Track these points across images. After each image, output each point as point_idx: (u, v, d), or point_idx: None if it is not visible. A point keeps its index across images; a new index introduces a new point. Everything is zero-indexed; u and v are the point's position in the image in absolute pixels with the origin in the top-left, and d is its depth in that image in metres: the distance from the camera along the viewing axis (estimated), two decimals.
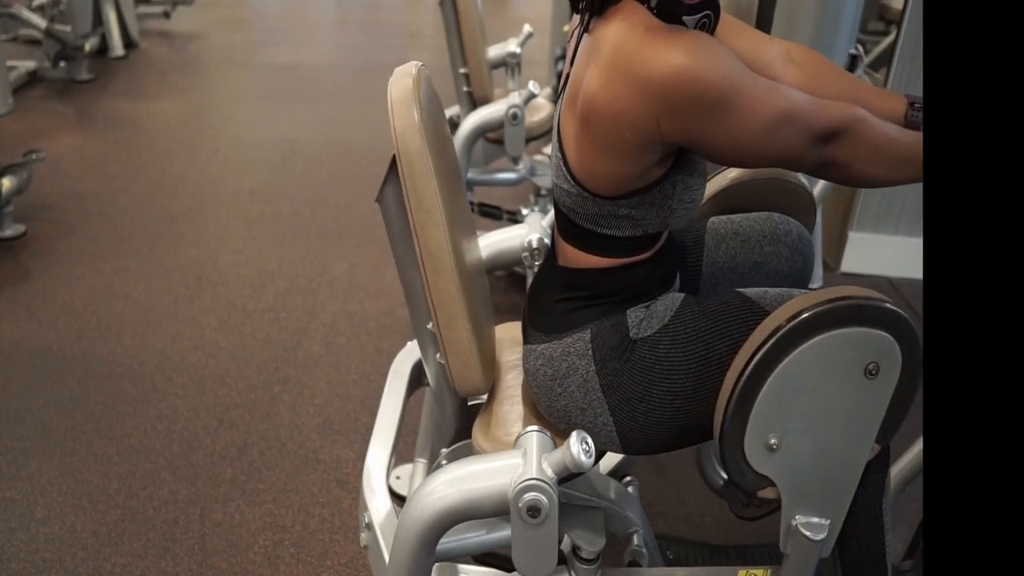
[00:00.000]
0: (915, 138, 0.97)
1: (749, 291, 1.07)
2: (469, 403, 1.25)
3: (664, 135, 0.91)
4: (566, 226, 1.06)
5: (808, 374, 0.94)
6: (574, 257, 1.07)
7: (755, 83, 0.90)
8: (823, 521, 1.02)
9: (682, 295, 1.10)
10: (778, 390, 0.94)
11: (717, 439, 0.99)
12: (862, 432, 0.98)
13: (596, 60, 0.92)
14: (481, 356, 1.07)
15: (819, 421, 0.97)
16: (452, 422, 1.24)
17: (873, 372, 0.93)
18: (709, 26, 1.01)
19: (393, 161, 0.98)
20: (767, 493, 1.03)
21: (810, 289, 1.06)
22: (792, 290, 1.07)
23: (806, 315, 0.92)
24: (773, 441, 0.97)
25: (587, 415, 1.07)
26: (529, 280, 1.45)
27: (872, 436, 0.98)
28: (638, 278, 1.06)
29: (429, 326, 1.08)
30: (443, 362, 1.07)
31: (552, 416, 1.11)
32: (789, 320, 0.92)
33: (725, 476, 1.52)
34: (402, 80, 0.97)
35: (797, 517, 1.02)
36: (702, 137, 0.92)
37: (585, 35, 0.98)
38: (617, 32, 0.91)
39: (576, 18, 1.03)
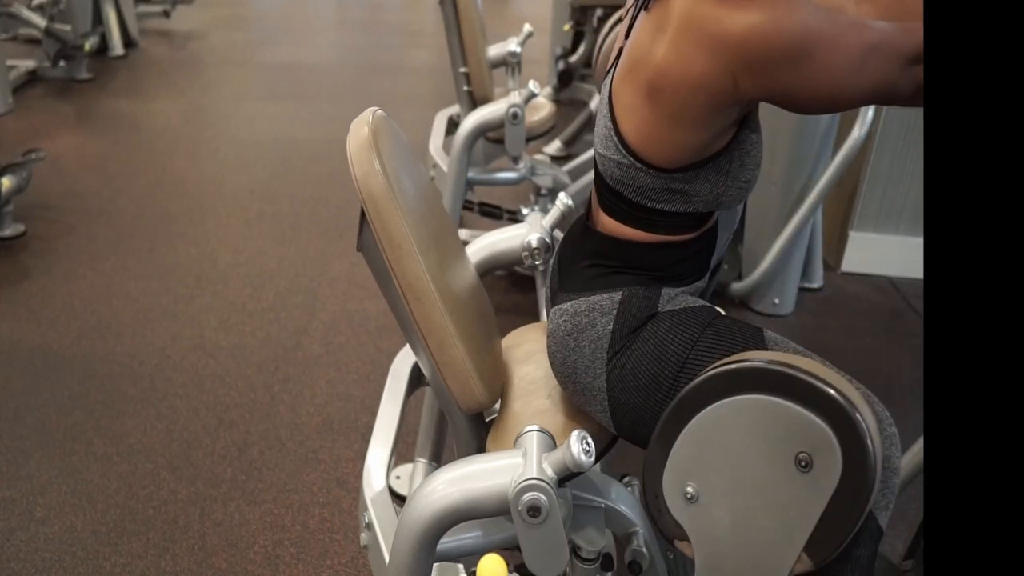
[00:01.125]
0: None
1: (769, 333, 1.03)
2: (487, 418, 1.25)
3: (742, 94, 0.90)
4: (610, 198, 1.05)
5: (733, 431, 0.86)
6: (613, 227, 1.06)
7: (834, 23, 0.86)
8: None
9: (706, 303, 1.08)
10: (701, 434, 0.88)
11: (643, 461, 0.95)
12: (788, 530, 0.86)
13: (666, 28, 0.92)
14: (480, 373, 1.07)
15: (740, 492, 0.88)
16: (470, 436, 1.24)
17: (804, 465, 0.82)
18: None
19: (363, 209, 1.00)
20: (684, 548, 0.95)
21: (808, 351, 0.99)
22: (799, 348, 1.02)
23: (740, 366, 0.84)
24: (690, 490, 0.91)
25: (588, 374, 1.06)
26: (538, 280, 1.45)
27: (800, 541, 0.85)
28: (675, 259, 1.06)
29: (426, 355, 1.08)
30: (443, 384, 1.08)
31: (561, 374, 1.10)
32: (727, 364, 0.87)
33: None
34: (359, 130, 1.00)
35: None
36: (786, 89, 0.89)
37: (650, 4, 0.96)
38: (693, 4, 0.90)
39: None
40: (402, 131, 1.10)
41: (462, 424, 1.21)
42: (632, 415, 1.06)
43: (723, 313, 1.09)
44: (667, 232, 1.04)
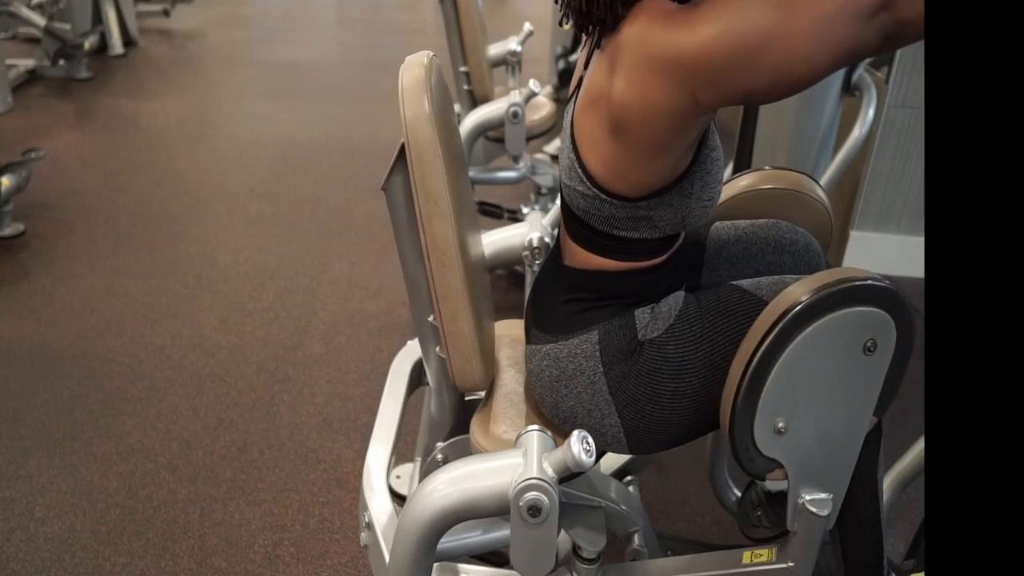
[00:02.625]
0: None
1: (744, 282, 1.08)
2: (467, 399, 1.24)
3: (703, 107, 0.89)
4: (577, 228, 1.05)
5: (811, 357, 0.97)
6: (583, 258, 1.06)
7: (781, 10, 0.84)
8: (827, 496, 1.05)
9: (683, 294, 1.09)
10: (784, 376, 0.97)
11: (727, 429, 1.00)
12: (862, 406, 1.01)
13: (620, 63, 0.91)
14: (482, 352, 1.07)
15: (823, 400, 1.00)
16: (449, 417, 1.24)
17: (871, 348, 0.97)
18: None
19: (402, 150, 0.97)
20: (775, 475, 1.05)
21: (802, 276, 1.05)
22: (785, 277, 1.08)
23: (805, 302, 0.95)
24: (781, 424, 1.00)
25: (594, 416, 1.06)
26: (529, 279, 1.45)
27: (871, 409, 1.02)
28: (647, 282, 1.06)
29: (431, 319, 1.07)
30: (444, 356, 1.07)
31: (556, 418, 1.10)
32: (789, 309, 0.95)
33: (738, 493, 1.52)
34: (413, 69, 0.97)
35: (803, 495, 1.05)
36: (747, 89, 0.88)
37: (597, 51, 0.96)
38: (638, 30, 0.90)
39: (584, 38, 1.01)
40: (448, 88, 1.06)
41: (445, 402, 1.20)
42: (653, 432, 1.07)
43: (689, 295, 1.09)
44: (636, 258, 1.04)
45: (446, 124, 1.01)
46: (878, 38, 0.86)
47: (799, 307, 0.95)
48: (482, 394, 1.18)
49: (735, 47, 0.85)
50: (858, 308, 0.95)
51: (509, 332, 1.32)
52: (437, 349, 1.10)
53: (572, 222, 1.06)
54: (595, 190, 0.98)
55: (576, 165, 0.99)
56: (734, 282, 1.09)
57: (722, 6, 0.86)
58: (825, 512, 1.04)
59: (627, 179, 0.97)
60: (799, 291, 0.96)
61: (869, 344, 0.97)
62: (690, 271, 1.22)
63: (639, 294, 1.06)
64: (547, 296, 1.11)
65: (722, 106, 0.93)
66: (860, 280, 0.95)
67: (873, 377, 0.99)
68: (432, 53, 1.00)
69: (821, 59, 0.86)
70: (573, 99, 1.03)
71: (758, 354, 0.96)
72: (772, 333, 0.95)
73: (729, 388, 1.00)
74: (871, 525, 1.15)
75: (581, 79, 1.02)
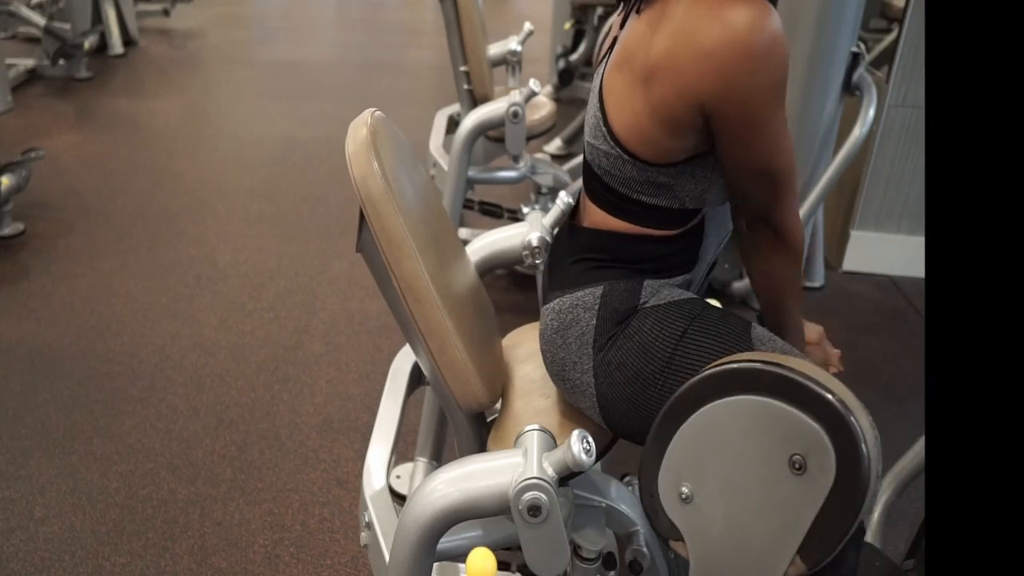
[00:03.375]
0: (798, 307, 1.08)
1: (758, 328, 1.04)
2: (488, 419, 1.25)
3: (704, 109, 0.92)
4: (598, 188, 1.06)
5: (727, 431, 0.86)
6: (599, 219, 1.07)
7: (785, 121, 0.94)
8: None
9: (692, 295, 1.09)
10: (696, 434, 0.88)
11: (640, 459, 0.95)
12: (782, 533, 0.85)
13: (664, 26, 0.93)
14: (481, 373, 1.07)
15: (735, 493, 0.87)
16: (471, 436, 1.24)
17: (798, 467, 0.81)
18: None
19: (361, 210, 1.00)
20: (679, 548, 0.95)
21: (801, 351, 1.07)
22: (787, 346, 1.04)
23: (735, 366, 0.84)
24: (685, 490, 0.90)
25: (576, 370, 1.07)
26: (537, 279, 1.44)
27: (794, 544, 0.84)
28: (659, 253, 1.06)
29: (426, 355, 1.08)
30: (444, 385, 1.08)
31: (551, 370, 1.11)
32: (724, 363, 0.86)
33: None
34: (358, 131, 1.00)
35: None
36: (730, 123, 0.93)
37: (634, 14, 0.98)
38: (688, 6, 0.92)
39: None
40: (401, 131, 1.10)
41: (463, 424, 1.20)
42: (621, 410, 1.06)
43: (712, 304, 1.09)
44: (652, 225, 1.05)
45: (402, 169, 1.05)
46: (752, 216, 1.03)
47: (727, 367, 0.84)
48: (498, 408, 1.18)
49: (747, 57, 0.88)
50: (790, 408, 0.80)
51: (522, 340, 1.32)
52: (442, 381, 1.11)
53: (592, 182, 1.07)
54: (618, 149, 1.00)
55: (601, 123, 1.01)
56: (755, 323, 1.06)
57: (772, 17, 0.89)
58: None
59: (651, 143, 0.98)
60: (745, 356, 0.86)
61: (796, 460, 0.80)
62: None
63: (649, 262, 1.06)
64: (561, 257, 1.13)
65: (715, 123, 0.94)
66: (802, 378, 0.79)
67: (798, 505, 0.82)
68: (375, 110, 1.04)
69: (747, 180, 0.99)
70: (605, 60, 1.05)
71: (679, 393, 0.88)
72: (695, 380, 0.87)
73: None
74: None
75: (615, 41, 1.03)
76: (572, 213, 1.16)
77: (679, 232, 1.06)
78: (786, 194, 0.98)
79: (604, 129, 1.01)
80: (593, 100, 1.04)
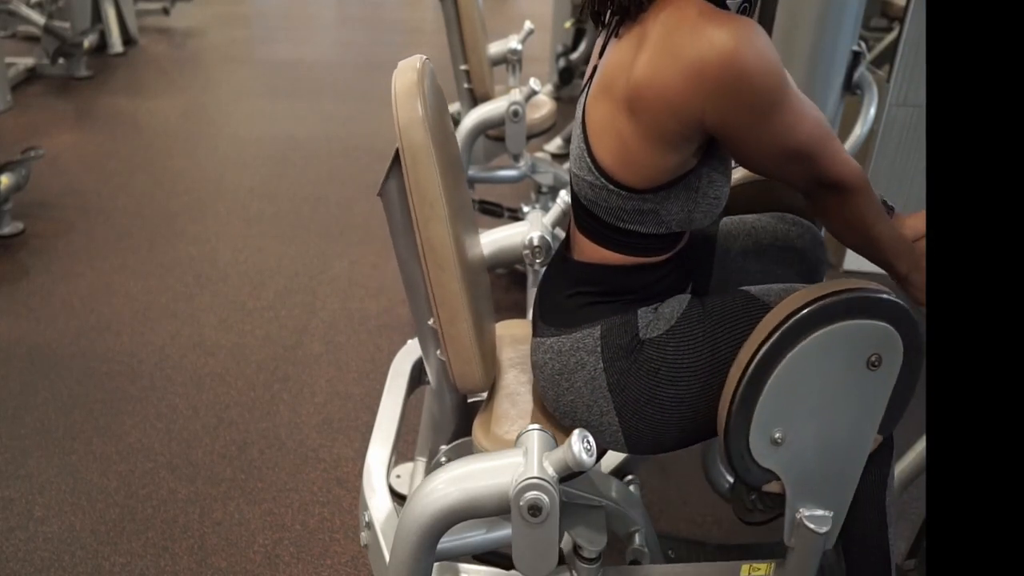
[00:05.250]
0: (891, 228, 1.01)
1: (753, 288, 1.06)
2: (469, 400, 1.24)
3: (705, 123, 0.91)
4: (585, 219, 1.05)
5: (811, 368, 0.94)
6: (590, 252, 1.06)
7: (798, 92, 0.91)
8: (827, 513, 1.03)
9: (688, 296, 1.09)
10: (782, 385, 0.95)
11: (722, 435, 0.99)
12: (865, 423, 0.98)
13: (645, 48, 0.91)
14: (482, 353, 1.06)
15: (823, 414, 0.97)
16: (451, 419, 1.23)
17: (875, 363, 0.94)
18: (750, 11, 1.00)
19: (396, 155, 0.97)
20: (772, 487, 1.03)
21: (812, 283, 1.05)
22: (795, 284, 1.06)
23: (807, 310, 0.92)
24: (778, 435, 0.98)
25: (592, 412, 1.06)
26: (530, 278, 1.44)
27: (875, 427, 0.99)
28: (653, 279, 1.06)
29: (431, 322, 1.07)
30: (444, 359, 1.07)
31: (558, 411, 1.10)
32: (790, 316, 0.93)
33: (731, 479, 1.51)
34: (406, 74, 0.96)
35: (801, 510, 1.03)
36: (738, 130, 0.91)
37: (626, 25, 0.96)
38: (668, 19, 0.90)
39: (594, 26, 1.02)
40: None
41: (447, 404, 1.20)
42: (652, 434, 1.06)
43: (694, 297, 1.09)
44: (641, 254, 1.04)
45: (440, 128, 1.01)
46: (808, 190, 1.01)
47: (799, 315, 0.92)
48: (484, 395, 1.17)
49: (755, 74, 0.87)
50: (863, 321, 0.92)
51: (511, 332, 1.31)
52: (438, 352, 1.10)
53: (580, 213, 1.06)
54: (603, 180, 0.98)
55: (585, 154, 0.99)
56: (743, 288, 1.07)
57: (758, 33, 0.88)
58: (824, 529, 1.02)
59: (635, 169, 0.96)
60: (801, 299, 0.94)
61: (874, 359, 0.94)
62: (699, 269, 1.21)
63: (642, 291, 1.06)
64: (553, 290, 1.11)
65: (717, 136, 0.93)
66: (867, 292, 0.92)
67: (877, 394, 0.97)
68: (425, 57, 1.00)
69: (782, 164, 0.96)
70: (586, 89, 1.03)
71: (755, 361, 0.94)
72: (770, 340, 0.93)
73: (726, 394, 0.98)
74: (877, 549, 1.11)
75: (595, 69, 1.02)
76: (564, 244, 1.14)
77: (667, 257, 1.06)
78: (825, 153, 0.94)
79: (588, 160, 0.99)
80: (576, 131, 1.02)
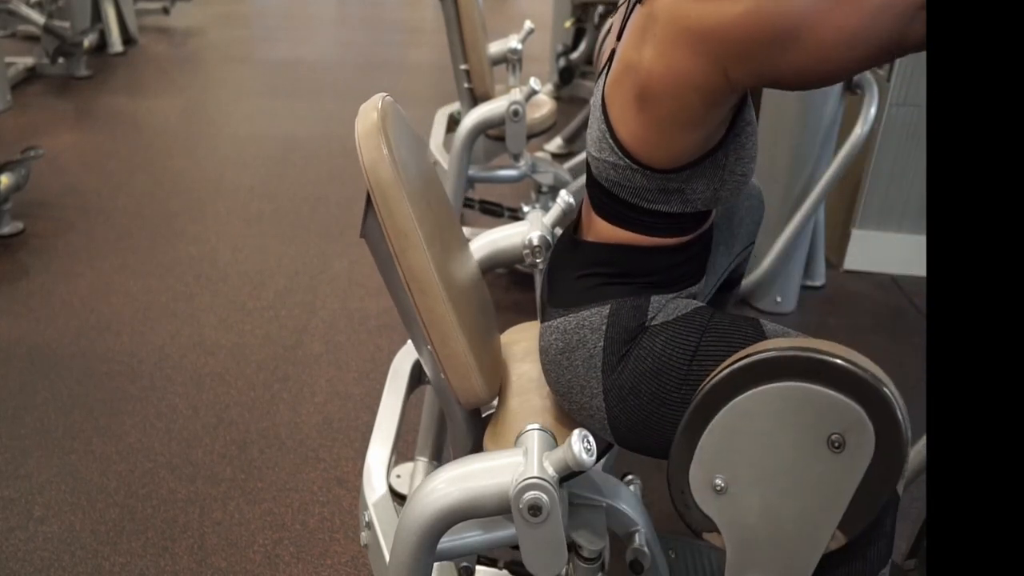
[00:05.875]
0: None
1: (768, 325, 1.03)
2: (483, 414, 1.24)
3: (734, 84, 0.88)
4: (605, 201, 1.04)
5: (761, 420, 0.87)
6: (607, 233, 1.05)
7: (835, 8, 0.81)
8: None
9: (703, 305, 1.07)
10: (728, 427, 0.89)
11: (670, 456, 0.95)
12: (822, 511, 0.88)
13: (651, 35, 0.90)
14: (481, 367, 1.06)
15: (771, 479, 0.89)
16: (467, 433, 1.23)
17: (837, 445, 0.83)
18: None
19: (368, 195, 0.99)
20: (713, 539, 0.96)
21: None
22: (799, 335, 1.02)
23: (763, 355, 0.85)
24: (719, 482, 0.91)
25: (584, 393, 1.05)
26: (537, 279, 1.44)
27: (834, 520, 0.87)
28: (670, 263, 1.04)
29: (428, 348, 1.08)
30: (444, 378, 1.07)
31: (558, 391, 1.10)
32: (749, 355, 0.87)
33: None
34: (367, 115, 0.99)
35: None
36: (778, 72, 0.86)
37: (637, 6, 0.94)
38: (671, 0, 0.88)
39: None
40: (409, 118, 1.08)
41: (459, 420, 1.20)
42: (635, 430, 1.05)
43: (706, 306, 1.08)
44: (663, 234, 1.03)
45: (411, 159, 1.03)
46: (918, 38, 0.82)
47: (755, 357, 0.85)
48: (494, 405, 1.18)
49: (768, 26, 0.82)
50: (825, 390, 0.82)
51: (521, 337, 1.32)
52: (442, 375, 1.11)
53: (600, 195, 1.04)
54: (627, 160, 0.97)
55: (607, 136, 0.98)
56: (761, 319, 1.04)
57: None
58: None
59: (658, 152, 0.95)
60: (767, 344, 0.87)
61: (835, 439, 0.83)
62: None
63: (658, 275, 1.04)
64: (563, 272, 1.10)
65: (754, 84, 0.90)
66: (832, 357, 0.81)
67: (838, 482, 0.85)
68: (386, 95, 1.02)
69: (856, 56, 0.83)
70: (605, 70, 1.02)
71: (706, 389, 0.89)
72: (724, 373, 0.88)
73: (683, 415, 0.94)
74: None
75: (613, 51, 1.01)
76: (573, 227, 1.13)
77: (689, 239, 1.04)
78: (904, 37, 0.81)
79: (611, 141, 0.98)
80: (596, 113, 1.01)
